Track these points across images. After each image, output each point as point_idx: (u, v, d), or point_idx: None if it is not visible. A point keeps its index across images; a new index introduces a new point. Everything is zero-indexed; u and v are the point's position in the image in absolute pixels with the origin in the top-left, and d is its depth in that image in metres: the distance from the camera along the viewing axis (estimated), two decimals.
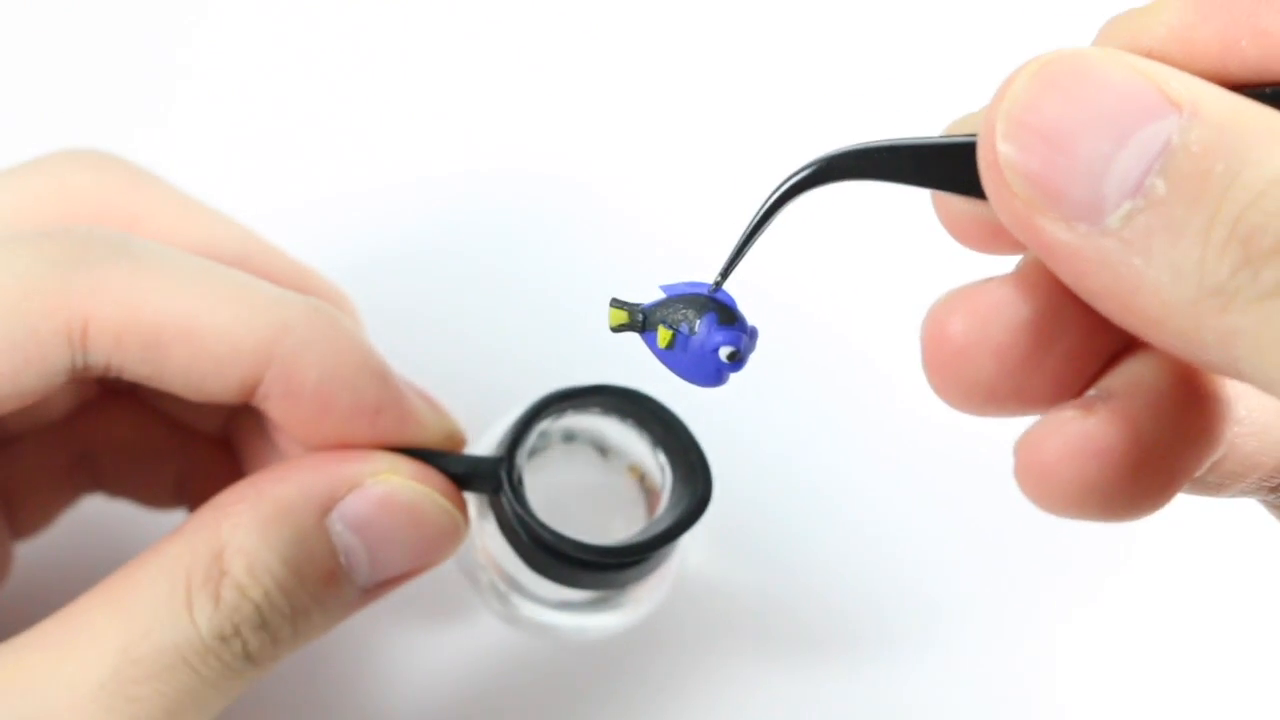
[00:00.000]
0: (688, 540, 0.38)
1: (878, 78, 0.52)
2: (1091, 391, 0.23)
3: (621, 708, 0.41)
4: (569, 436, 0.39)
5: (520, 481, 0.33)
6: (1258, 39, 0.21)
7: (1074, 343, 0.23)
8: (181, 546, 0.30)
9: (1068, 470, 0.22)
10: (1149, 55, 0.22)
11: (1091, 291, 0.21)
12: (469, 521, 0.33)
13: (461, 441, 0.33)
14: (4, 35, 0.50)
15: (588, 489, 0.40)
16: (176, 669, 0.29)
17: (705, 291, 0.26)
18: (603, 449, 0.39)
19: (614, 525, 0.38)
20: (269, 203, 0.43)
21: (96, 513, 0.40)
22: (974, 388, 0.23)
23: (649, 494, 0.38)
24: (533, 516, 0.32)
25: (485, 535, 0.36)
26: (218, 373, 0.30)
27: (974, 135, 0.23)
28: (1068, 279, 0.21)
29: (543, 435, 0.38)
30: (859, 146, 0.24)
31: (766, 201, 0.25)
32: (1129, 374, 0.23)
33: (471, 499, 0.36)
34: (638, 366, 0.34)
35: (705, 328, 0.26)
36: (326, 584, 0.31)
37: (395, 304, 0.45)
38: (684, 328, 0.26)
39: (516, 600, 0.37)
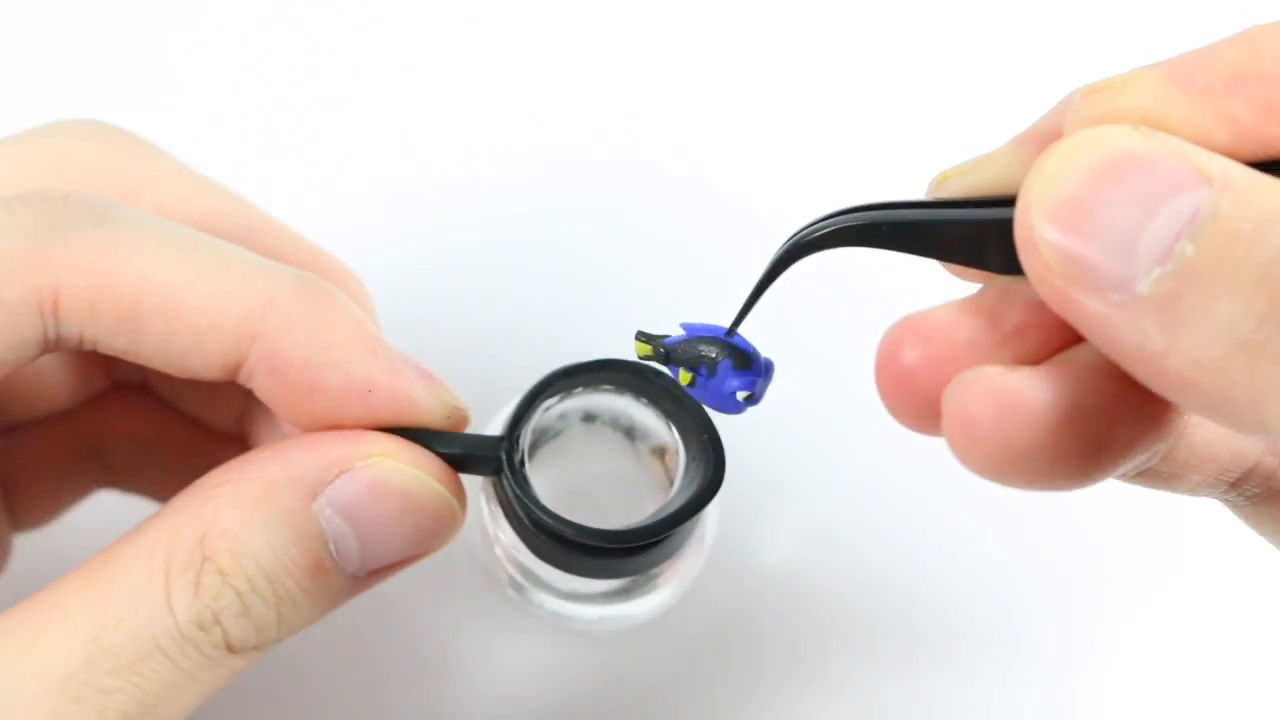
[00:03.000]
0: (713, 525, 0.36)
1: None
2: None
3: (640, 700, 0.39)
4: (588, 417, 0.37)
5: (522, 463, 0.31)
6: (1228, 125, 0.22)
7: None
8: (161, 529, 0.28)
9: (990, 424, 0.22)
10: None
11: (1127, 357, 0.21)
12: (465, 506, 0.31)
13: (464, 420, 0.31)
14: (8, 19, 0.50)
15: (616, 475, 0.38)
16: (151, 659, 0.27)
17: (723, 335, 0.27)
18: (628, 431, 0.37)
19: (645, 513, 0.36)
20: (280, 191, 0.42)
21: (106, 507, 0.39)
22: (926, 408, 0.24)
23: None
24: (533, 499, 0.30)
25: (499, 524, 0.35)
26: (198, 348, 0.29)
27: (975, 210, 0.24)
28: (1104, 347, 0.22)
29: (562, 417, 0.36)
30: (862, 219, 0.24)
31: (772, 261, 0.26)
32: (1073, 351, 0.23)
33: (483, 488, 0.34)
34: None
35: (721, 373, 0.27)
36: (314, 572, 0.29)
37: (409, 291, 0.44)
38: (703, 370, 0.27)
39: (532, 592, 0.36)
